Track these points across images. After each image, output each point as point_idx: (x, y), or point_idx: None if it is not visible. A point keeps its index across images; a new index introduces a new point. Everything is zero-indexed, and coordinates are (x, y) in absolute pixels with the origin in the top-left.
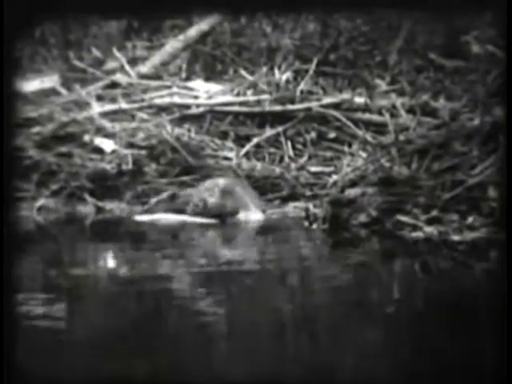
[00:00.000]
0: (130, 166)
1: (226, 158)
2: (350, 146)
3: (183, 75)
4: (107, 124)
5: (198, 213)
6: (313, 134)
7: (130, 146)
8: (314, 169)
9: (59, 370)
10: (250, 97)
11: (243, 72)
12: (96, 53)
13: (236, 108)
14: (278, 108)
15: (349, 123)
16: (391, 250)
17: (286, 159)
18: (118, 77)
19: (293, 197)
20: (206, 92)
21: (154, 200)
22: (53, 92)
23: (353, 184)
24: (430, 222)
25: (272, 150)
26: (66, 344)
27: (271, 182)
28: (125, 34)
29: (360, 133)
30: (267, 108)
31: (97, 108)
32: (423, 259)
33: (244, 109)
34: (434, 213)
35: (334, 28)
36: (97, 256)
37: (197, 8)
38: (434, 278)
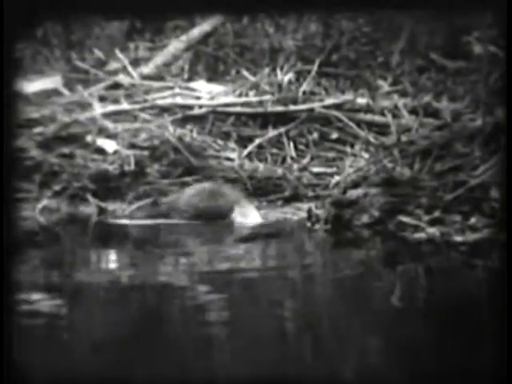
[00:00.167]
0: (133, 167)
1: (229, 159)
2: (352, 146)
3: (185, 76)
4: (109, 125)
5: (187, 218)
6: (315, 135)
7: (132, 146)
8: (316, 169)
9: (59, 369)
10: (253, 97)
11: (245, 73)
12: (98, 54)
13: (238, 109)
14: (280, 109)
15: (351, 124)
16: (393, 250)
17: (289, 160)
18: (121, 77)
19: (295, 197)
20: (208, 93)
21: (134, 206)
22: (55, 93)
23: (355, 185)
24: (432, 222)
25: (274, 150)
26: (66, 343)
27: (273, 182)
28: (127, 35)
29: (362, 133)
30: (269, 109)
31: (99, 109)
32: (425, 260)
33: (246, 109)
34: (437, 214)
35: (336, 29)
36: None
37: (199, 9)
38: (436, 278)
